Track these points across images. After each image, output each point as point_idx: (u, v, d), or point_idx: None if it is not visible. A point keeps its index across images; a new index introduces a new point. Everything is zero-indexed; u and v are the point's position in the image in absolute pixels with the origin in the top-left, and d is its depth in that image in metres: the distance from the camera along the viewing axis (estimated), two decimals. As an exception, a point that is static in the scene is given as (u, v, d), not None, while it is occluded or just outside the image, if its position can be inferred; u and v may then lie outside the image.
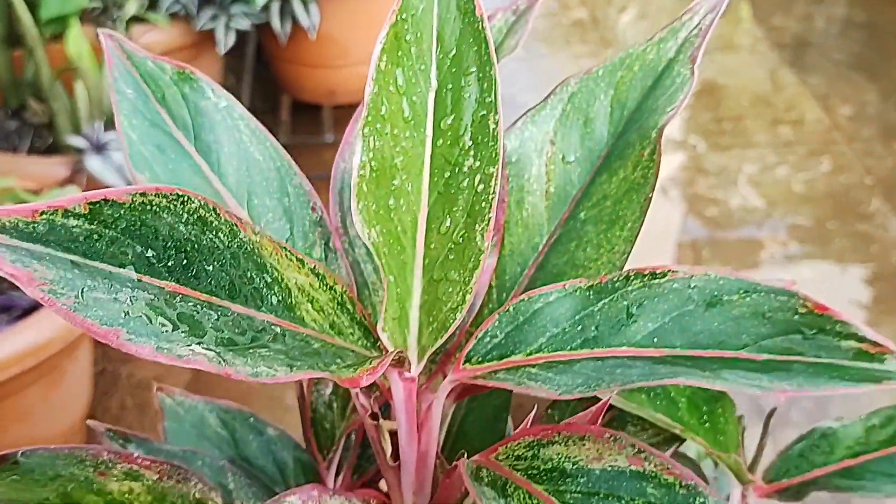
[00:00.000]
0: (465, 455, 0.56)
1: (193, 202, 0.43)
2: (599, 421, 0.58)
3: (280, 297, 0.46)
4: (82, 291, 0.38)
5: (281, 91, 2.12)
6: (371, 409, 0.56)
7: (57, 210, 0.38)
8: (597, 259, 0.58)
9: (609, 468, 0.50)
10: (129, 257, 0.40)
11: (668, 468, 0.49)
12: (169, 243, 0.42)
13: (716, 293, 0.50)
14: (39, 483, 0.52)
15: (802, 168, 2.14)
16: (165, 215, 0.41)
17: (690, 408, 0.62)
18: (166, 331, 0.39)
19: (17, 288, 1.31)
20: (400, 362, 0.50)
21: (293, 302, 0.47)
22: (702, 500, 0.48)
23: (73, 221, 0.39)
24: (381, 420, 0.57)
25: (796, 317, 0.48)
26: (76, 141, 1.49)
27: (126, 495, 0.54)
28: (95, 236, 0.39)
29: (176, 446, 0.61)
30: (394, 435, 0.58)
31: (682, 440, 0.64)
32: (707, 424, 0.62)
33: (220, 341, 0.41)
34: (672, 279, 0.51)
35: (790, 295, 0.48)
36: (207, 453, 0.60)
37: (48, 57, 1.59)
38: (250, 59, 2.20)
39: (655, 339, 0.51)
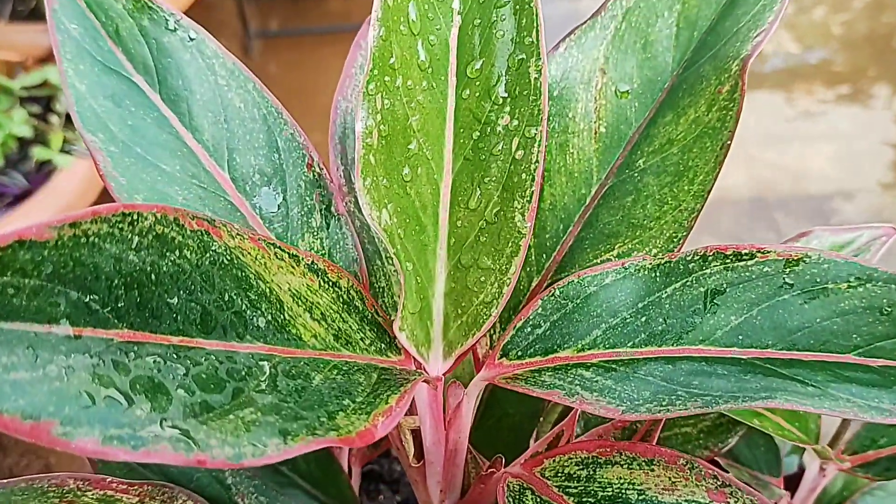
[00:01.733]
0: (500, 456, 0.47)
1: (146, 218, 0.32)
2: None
3: (269, 317, 0.36)
4: (-6, 374, 0.28)
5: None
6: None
7: (-53, 267, 0.28)
8: (659, 218, 0.47)
9: (685, 502, 0.41)
10: (62, 308, 0.30)
11: (757, 505, 0.40)
12: (115, 281, 0.31)
13: (818, 280, 0.40)
14: (-7, 520, 0.44)
15: (841, 9, 1.99)
16: (108, 245, 0.31)
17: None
18: (117, 411, 0.29)
19: (5, 173, 1.21)
20: (425, 380, 0.40)
21: (286, 318, 0.37)
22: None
23: (-26, 278, 0.28)
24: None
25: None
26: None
27: (101, 519, 0.45)
28: (11, 290, 0.29)
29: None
30: (416, 432, 0.49)
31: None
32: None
33: (190, 410, 0.31)
34: (762, 261, 0.41)
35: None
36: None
37: None
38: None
39: (740, 337, 0.41)
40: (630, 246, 0.48)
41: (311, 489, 0.54)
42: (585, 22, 0.48)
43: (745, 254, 0.41)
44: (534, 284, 0.49)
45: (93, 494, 0.44)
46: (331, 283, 0.40)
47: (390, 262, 0.48)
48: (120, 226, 0.31)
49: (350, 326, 0.40)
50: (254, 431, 0.31)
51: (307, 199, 0.46)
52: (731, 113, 0.44)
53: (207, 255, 0.34)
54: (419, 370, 0.42)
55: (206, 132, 0.45)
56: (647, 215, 0.47)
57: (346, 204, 0.47)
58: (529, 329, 0.44)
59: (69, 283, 0.30)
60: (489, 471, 0.46)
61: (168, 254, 0.33)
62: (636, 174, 0.47)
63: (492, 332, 0.49)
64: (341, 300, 0.40)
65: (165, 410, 0.30)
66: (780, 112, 1.76)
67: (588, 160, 0.48)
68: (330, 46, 1.73)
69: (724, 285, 0.41)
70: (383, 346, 0.42)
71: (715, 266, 0.42)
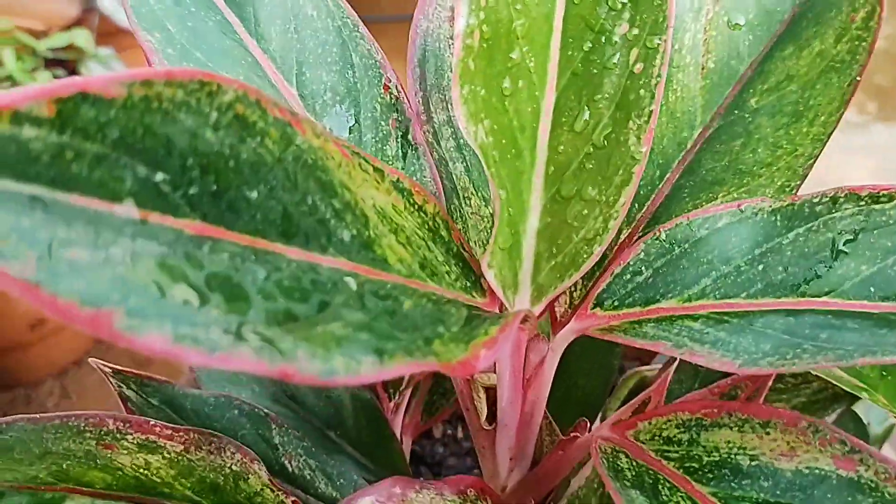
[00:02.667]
0: (584, 420, 0.42)
1: (226, 93, 0.27)
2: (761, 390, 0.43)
3: (354, 231, 0.31)
4: (50, 248, 0.23)
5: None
6: (460, 358, 0.42)
7: (1, 114, 0.23)
8: (771, 164, 0.42)
9: (806, 470, 0.36)
10: (128, 185, 0.25)
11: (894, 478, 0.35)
12: (190, 160, 0.26)
13: (969, 228, 0.35)
14: (23, 462, 0.39)
15: (884, 23, 1.95)
16: (183, 116, 0.26)
17: (875, 358, 0.47)
18: (190, 307, 0.24)
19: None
20: (523, 320, 0.35)
21: (371, 236, 0.32)
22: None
23: (30, 132, 0.23)
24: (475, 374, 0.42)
25: None
26: (85, -27, 1.32)
27: (141, 470, 0.40)
28: (70, 154, 0.24)
29: (207, 391, 0.46)
30: (490, 390, 0.44)
31: (855, 398, 0.49)
32: (889, 378, 0.48)
33: (273, 317, 0.26)
34: (903, 204, 0.36)
35: None
36: (245, 399, 0.46)
37: None
38: None
39: (873, 289, 0.36)
40: (736, 195, 0.43)
41: (361, 457, 0.49)
42: (698, -57, 0.43)
43: (884, 195, 0.36)
44: (622, 238, 0.44)
45: (133, 438, 0.39)
46: (416, 207, 0.35)
47: (469, 203, 0.43)
48: (197, 95, 0.26)
49: (436, 257, 0.35)
50: (346, 346, 0.26)
51: (382, 123, 0.41)
52: (863, 44, 0.39)
53: (291, 149, 0.29)
54: (506, 312, 0.37)
55: (273, 41, 0.40)
56: (758, 161, 0.42)
57: (425, 133, 0.43)
58: (629, 276, 0.39)
59: (138, 154, 0.25)
60: (572, 435, 0.41)
61: (248, 139, 0.28)
62: (747, 115, 0.42)
63: (573, 286, 0.44)
64: (426, 227, 0.35)
65: (245, 314, 0.25)
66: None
67: (692, 98, 0.43)
68: (384, 37, 1.69)
69: (856, 230, 0.37)
70: (468, 283, 0.37)
71: (847, 209, 0.37)
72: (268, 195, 0.28)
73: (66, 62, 1.17)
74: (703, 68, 0.43)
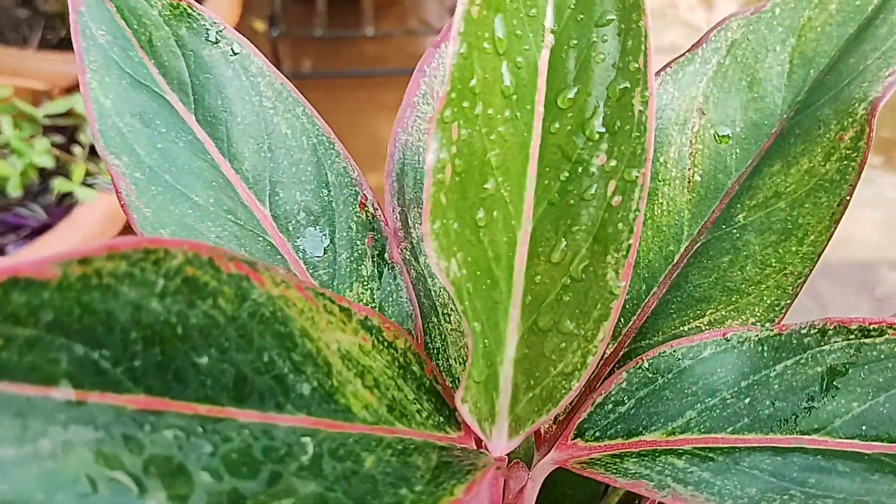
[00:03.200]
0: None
1: (173, 258, 0.26)
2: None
3: (315, 383, 0.30)
4: (-28, 448, 0.22)
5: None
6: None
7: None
8: (760, 282, 0.41)
9: None
10: (63, 366, 0.24)
11: None
12: (133, 333, 0.25)
13: (964, 367, 0.34)
14: None
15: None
16: (126, 289, 0.25)
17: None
18: (124, 500, 0.23)
19: (24, 205, 1.15)
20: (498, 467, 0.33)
21: (334, 384, 0.31)
22: None
23: (-47, 325, 0.22)
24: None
25: None
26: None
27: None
28: (-1, 342, 0.23)
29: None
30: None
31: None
32: None
33: (216, 501, 0.24)
34: (893, 338, 0.35)
35: None
36: None
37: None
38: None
39: (864, 428, 0.34)
40: (724, 313, 0.41)
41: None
42: (683, 55, 0.42)
43: (874, 329, 0.35)
44: (608, 353, 0.43)
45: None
46: (386, 344, 0.34)
47: (448, 319, 0.42)
48: (142, 265, 0.25)
49: (405, 396, 0.34)
50: (294, 531, 0.25)
51: (358, 243, 0.40)
52: (853, 164, 0.38)
53: (246, 305, 0.28)
54: (481, 450, 0.36)
55: (246, 161, 0.39)
56: (746, 279, 0.41)
57: (402, 250, 0.41)
58: (611, 406, 0.38)
59: (74, 334, 0.24)
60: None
61: (199, 302, 0.27)
62: (735, 231, 0.41)
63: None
64: (397, 364, 0.34)
65: (185, 500, 0.24)
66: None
67: (679, 212, 0.42)
68: (365, 90, 1.68)
69: (846, 365, 0.35)
70: (441, 419, 0.35)
71: (836, 342, 0.35)
72: (219, 358, 0.27)
73: (64, 128, 1.17)
74: (689, 182, 0.42)
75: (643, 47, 0.33)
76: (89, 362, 0.24)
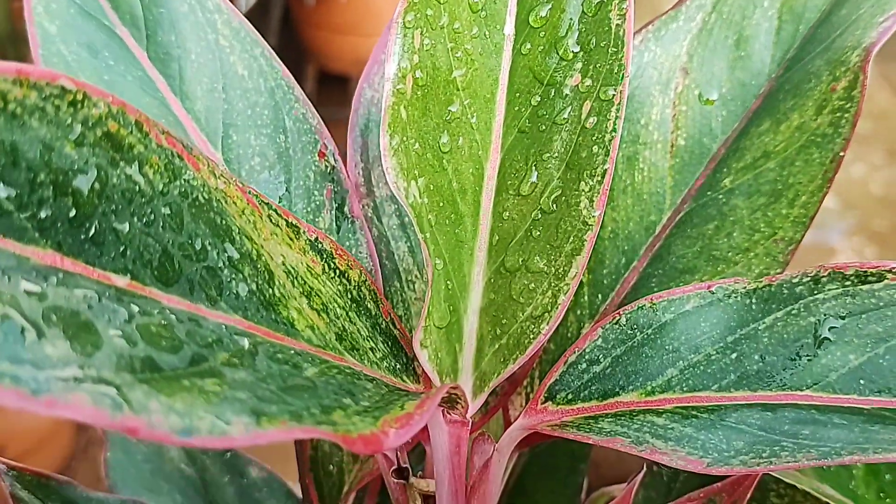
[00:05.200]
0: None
1: (96, 105, 0.23)
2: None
3: (254, 286, 0.27)
4: None
5: (307, 60, 1.93)
6: (397, 460, 0.37)
7: None
8: (748, 249, 0.38)
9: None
10: (-43, 198, 0.21)
11: None
12: (42, 176, 0.22)
13: (968, 310, 0.31)
14: None
15: (880, 167, 1.93)
16: (35, 123, 0.22)
17: (868, 477, 0.42)
18: (16, 340, 0.20)
19: None
20: (450, 401, 0.30)
21: (275, 295, 0.28)
22: None
23: None
24: (411, 478, 0.37)
25: None
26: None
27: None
28: None
29: (116, 495, 0.41)
30: (430, 499, 0.39)
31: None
32: (888, 500, 0.42)
33: (127, 364, 0.21)
34: (893, 283, 0.32)
35: None
36: (160, 506, 0.40)
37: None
38: (275, 24, 2.01)
39: (861, 382, 0.31)
40: (710, 284, 0.38)
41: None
42: (667, 12, 0.40)
43: (872, 274, 0.32)
44: (585, 331, 0.40)
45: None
46: (338, 272, 0.31)
47: (412, 287, 0.39)
48: (56, 102, 0.22)
49: (358, 330, 0.31)
50: (216, 404, 0.22)
51: (315, 193, 0.37)
52: (847, 115, 0.36)
53: (177, 183, 0.25)
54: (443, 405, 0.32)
55: (198, 101, 0.37)
56: (734, 246, 0.38)
57: (364, 208, 0.39)
58: (585, 365, 0.34)
59: (-28, 162, 0.21)
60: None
61: (122, 163, 0.24)
62: (721, 196, 0.38)
63: (528, 383, 0.40)
64: (349, 295, 0.31)
65: (90, 356, 0.21)
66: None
67: (661, 179, 0.39)
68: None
69: (842, 315, 0.32)
70: (398, 366, 0.32)
71: (831, 290, 0.32)
72: (144, 230, 0.24)
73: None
74: (672, 146, 0.39)
75: (621, -43, 0.31)
76: (-11, 198, 0.21)
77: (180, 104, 0.36)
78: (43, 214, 0.22)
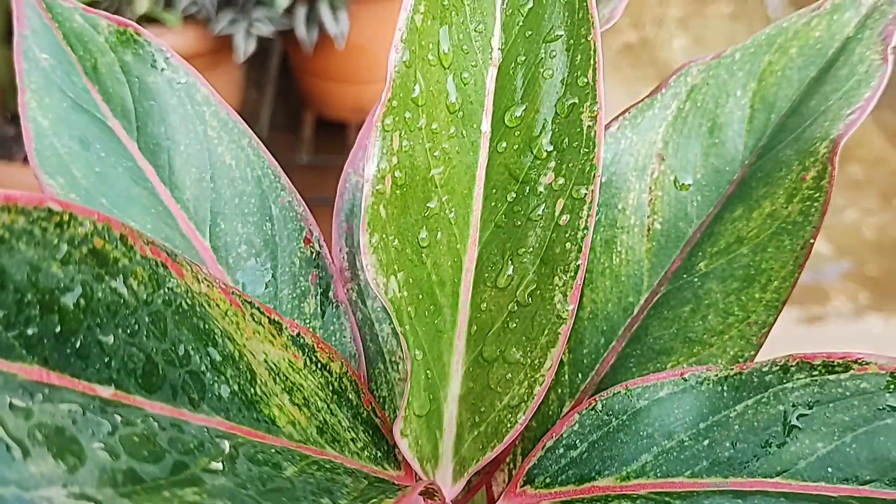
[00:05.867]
0: None
1: (80, 225, 0.24)
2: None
3: (235, 387, 0.28)
4: None
5: (305, 107, 1.95)
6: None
7: None
8: (723, 332, 0.39)
9: None
10: (-53, 321, 0.22)
11: None
12: (29, 296, 0.23)
13: (932, 401, 0.32)
14: None
15: (872, 213, 1.95)
16: (23, 246, 0.23)
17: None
18: (2, 460, 0.21)
19: None
20: (427, 493, 0.31)
21: (257, 394, 0.29)
22: None
23: None
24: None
25: None
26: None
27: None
28: None
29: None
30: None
31: None
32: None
33: (110, 478, 0.22)
34: (860, 374, 0.33)
35: None
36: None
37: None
38: (273, 72, 2.03)
39: (829, 470, 0.32)
40: (685, 366, 0.39)
41: None
42: (643, 100, 0.41)
43: (838, 365, 0.33)
44: (565, 410, 0.41)
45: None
46: (319, 365, 0.32)
47: (395, 368, 0.40)
48: (43, 224, 0.23)
49: (339, 422, 0.32)
50: (195, 516, 0.22)
51: (301, 279, 0.38)
52: (816, 204, 0.37)
53: (161, 292, 0.26)
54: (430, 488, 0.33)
55: (187, 190, 0.38)
56: (709, 329, 0.39)
57: (348, 292, 0.40)
58: (562, 450, 0.35)
59: (-39, 287, 0.22)
60: None
61: (107, 278, 0.25)
62: (696, 279, 0.39)
63: (510, 459, 0.41)
64: (331, 388, 0.32)
65: (73, 471, 0.22)
66: (811, 312, 1.69)
67: (638, 262, 0.40)
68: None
69: (810, 403, 0.33)
70: (379, 454, 0.33)
71: (799, 379, 0.33)
72: (128, 341, 0.25)
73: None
74: (648, 230, 0.40)
75: (592, 62, 0.32)
76: (-23, 320, 0.22)
77: (169, 193, 0.38)
78: (30, 332, 0.23)
